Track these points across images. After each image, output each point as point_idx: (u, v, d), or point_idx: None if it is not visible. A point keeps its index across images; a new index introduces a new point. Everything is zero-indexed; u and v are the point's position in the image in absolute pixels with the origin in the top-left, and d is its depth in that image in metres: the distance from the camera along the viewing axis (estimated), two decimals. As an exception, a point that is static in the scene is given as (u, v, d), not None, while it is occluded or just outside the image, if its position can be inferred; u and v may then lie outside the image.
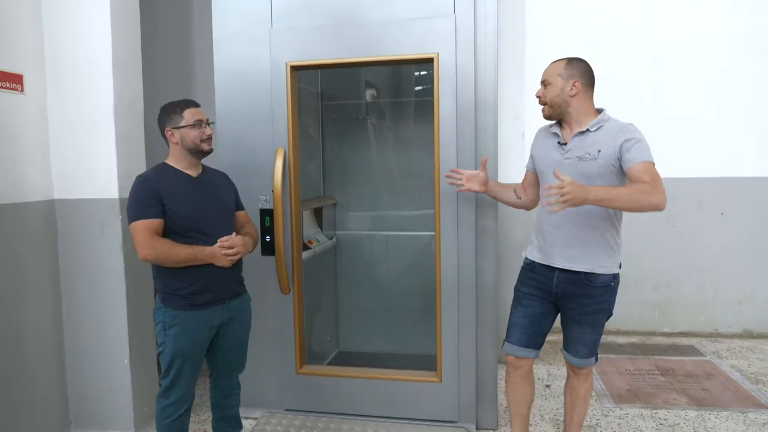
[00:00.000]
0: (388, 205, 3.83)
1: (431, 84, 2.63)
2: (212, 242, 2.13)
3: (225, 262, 2.15)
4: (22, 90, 2.52)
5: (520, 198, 2.43)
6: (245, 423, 2.77)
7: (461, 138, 2.59)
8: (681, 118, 4.10)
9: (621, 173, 2.07)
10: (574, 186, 1.85)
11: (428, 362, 2.85)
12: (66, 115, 2.65)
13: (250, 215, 2.78)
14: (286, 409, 2.91)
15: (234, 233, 2.22)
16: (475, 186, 2.39)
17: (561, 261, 2.18)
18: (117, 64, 2.62)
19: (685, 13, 4.05)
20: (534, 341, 2.29)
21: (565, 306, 2.22)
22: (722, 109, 4.07)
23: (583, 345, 2.24)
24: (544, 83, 2.20)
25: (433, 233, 2.74)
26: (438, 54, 2.56)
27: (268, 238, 2.78)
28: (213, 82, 2.83)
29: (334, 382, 2.86)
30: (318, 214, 3.72)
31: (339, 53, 2.67)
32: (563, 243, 2.17)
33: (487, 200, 2.62)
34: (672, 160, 4.12)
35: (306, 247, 3.26)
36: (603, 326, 2.25)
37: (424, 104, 3.63)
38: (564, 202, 1.84)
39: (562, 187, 1.84)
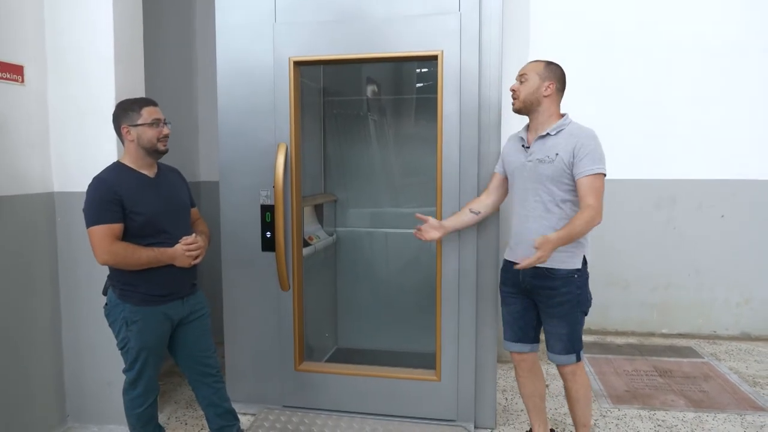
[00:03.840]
0: (388, 202, 3.82)
1: (432, 81, 2.62)
2: (172, 243, 2.13)
3: (186, 263, 2.15)
4: (23, 81, 2.49)
5: (479, 212, 2.50)
6: (243, 419, 2.76)
7: (464, 137, 2.58)
8: (682, 119, 4.09)
9: (571, 178, 2.18)
10: (544, 251, 2.05)
11: (427, 360, 2.84)
12: (66, 108, 2.63)
13: (251, 211, 2.80)
14: (284, 406, 2.90)
15: (193, 233, 2.22)
16: (436, 234, 2.50)
17: (524, 259, 2.24)
18: (118, 56, 2.59)
19: (689, 13, 4.04)
20: (525, 335, 2.40)
21: (536, 299, 2.32)
22: (723, 111, 4.06)
23: (557, 339, 2.29)
24: (521, 78, 2.27)
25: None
26: (442, 51, 2.54)
27: (268, 234, 2.77)
28: (215, 76, 2.81)
29: (332, 379, 2.86)
30: (318, 210, 3.71)
31: (343, 49, 2.65)
32: (526, 240, 2.25)
33: (489, 199, 2.61)
34: (673, 162, 4.13)
35: (306, 244, 3.25)
36: (576, 322, 2.28)
37: (426, 101, 3.61)
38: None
39: (539, 258, 2.06)
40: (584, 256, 2.27)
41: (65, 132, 2.64)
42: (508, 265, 2.38)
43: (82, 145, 2.63)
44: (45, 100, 2.62)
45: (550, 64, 2.27)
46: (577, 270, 2.25)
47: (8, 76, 2.42)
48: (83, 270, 2.67)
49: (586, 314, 2.31)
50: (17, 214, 2.49)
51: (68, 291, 2.71)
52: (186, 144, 3.79)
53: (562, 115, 2.28)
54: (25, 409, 2.56)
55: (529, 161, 2.25)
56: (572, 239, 2.14)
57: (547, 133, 2.23)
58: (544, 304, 2.29)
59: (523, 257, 2.21)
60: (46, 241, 2.64)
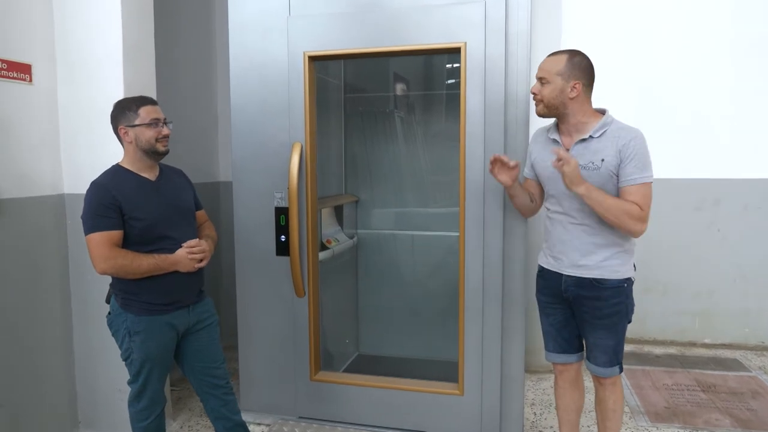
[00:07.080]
0: (413, 202, 3.66)
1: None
2: (176, 248, 2.01)
3: (190, 267, 2.03)
4: (31, 80, 2.43)
5: (534, 202, 2.28)
6: (256, 429, 2.65)
7: (489, 132, 2.41)
8: (726, 114, 3.81)
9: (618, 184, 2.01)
10: (574, 169, 1.91)
11: (451, 369, 2.67)
12: (76, 107, 2.56)
13: (265, 213, 2.68)
14: (300, 417, 2.77)
15: (198, 237, 2.10)
16: (504, 177, 2.15)
17: (570, 269, 2.09)
18: (128, 54, 2.51)
19: (731, 6, 3.76)
20: (570, 345, 2.24)
21: (579, 310, 2.14)
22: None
23: (602, 351, 2.12)
24: (542, 80, 2.03)
25: (459, 234, 2.57)
26: (465, 43, 2.38)
27: (283, 238, 2.65)
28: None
29: (350, 390, 2.72)
30: (338, 212, 3.58)
31: (360, 42, 2.51)
32: (572, 249, 2.09)
33: (516, 201, 2.44)
34: (717, 161, 3.86)
35: (324, 247, 3.13)
36: (622, 332, 2.12)
37: (455, 97, 3.44)
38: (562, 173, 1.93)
39: (568, 162, 1.90)
40: (633, 264, 2.10)
41: (75, 132, 2.58)
42: (546, 272, 2.20)
43: (92, 146, 2.55)
44: (54, 100, 2.56)
45: (572, 57, 1.99)
46: (627, 279, 2.07)
47: (16, 75, 2.36)
48: (94, 274, 2.52)
49: (630, 322, 2.13)
50: (27, 216, 2.43)
51: (79, 295, 2.65)
52: (205, 143, 3.70)
53: (601, 112, 2.05)
54: (37, 414, 2.51)
55: None
56: (598, 206, 1.92)
57: (590, 136, 2.00)
58: (590, 315, 2.09)
59: (569, 269, 2.08)
60: (56, 244, 2.58)
